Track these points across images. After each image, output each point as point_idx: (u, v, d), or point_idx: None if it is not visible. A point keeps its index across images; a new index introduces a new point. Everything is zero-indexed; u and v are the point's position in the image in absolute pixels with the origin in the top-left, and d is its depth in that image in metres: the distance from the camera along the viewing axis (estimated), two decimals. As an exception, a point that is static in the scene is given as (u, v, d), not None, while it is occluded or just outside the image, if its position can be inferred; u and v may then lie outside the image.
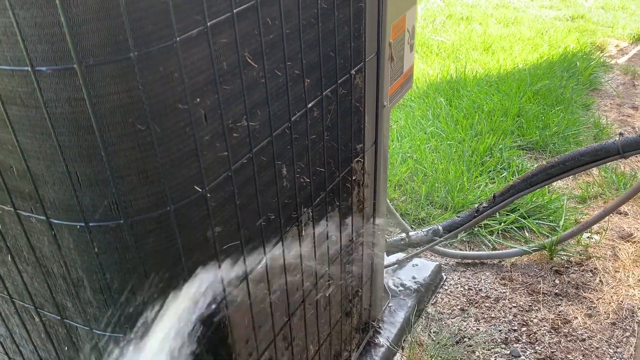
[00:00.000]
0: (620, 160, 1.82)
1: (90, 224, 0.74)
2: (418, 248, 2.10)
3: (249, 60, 0.84)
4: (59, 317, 0.92)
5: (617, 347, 1.85)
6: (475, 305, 2.06)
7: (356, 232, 1.44)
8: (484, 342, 1.89)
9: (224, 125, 0.81)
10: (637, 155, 1.94)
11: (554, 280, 2.14)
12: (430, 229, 2.04)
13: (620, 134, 1.72)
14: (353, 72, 1.19)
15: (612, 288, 2.10)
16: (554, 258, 2.24)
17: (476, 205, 2.01)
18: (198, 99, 0.75)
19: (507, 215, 2.44)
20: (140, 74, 0.67)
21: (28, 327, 1.03)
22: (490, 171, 2.78)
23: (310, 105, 1.02)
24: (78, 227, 0.75)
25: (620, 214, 2.52)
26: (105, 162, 0.70)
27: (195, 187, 0.80)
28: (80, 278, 0.84)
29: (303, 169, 1.09)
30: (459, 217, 2.01)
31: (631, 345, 1.86)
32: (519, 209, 2.44)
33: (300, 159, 1.06)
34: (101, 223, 0.74)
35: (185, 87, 0.72)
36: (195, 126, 0.76)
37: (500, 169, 2.80)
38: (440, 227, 2.03)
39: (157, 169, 0.74)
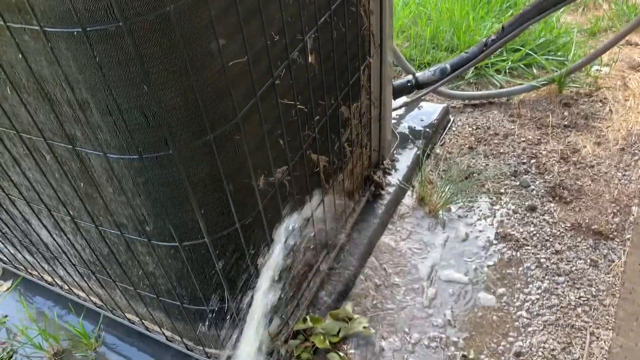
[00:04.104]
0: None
1: (88, 29, 0.70)
2: (425, 90, 2.05)
3: None
4: (71, 146, 0.90)
5: (626, 171, 1.87)
6: (484, 142, 2.06)
7: (362, 60, 1.39)
8: (494, 176, 1.91)
9: None
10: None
11: (563, 113, 2.12)
12: (437, 68, 1.98)
13: (639, -57, 1.60)
14: None
15: (622, 116, 2.08)
16: (563, 91, 2.20)
17: (483, 39, 1.93)
18: None
19: (515, 52, 2.36)
20: None
21: (42, 167, 1.02)
22: (497, 11, 2.66)
23: None
24: (75, 34, 0.70)
25: (631, 44, 2.45)
26: (93, -46, 0.64)
27: (193, -13, 0.74)
28: (85, 100, 0.81)
29: (305, -16, 1.02)
30: (466, 52, 1.95)
31: (639, 168, 1.88)
32: (527, 45, 2.37)
33: (301, -30, 0.99)
34: (99, 27, 0.70)
35: None
36: None
37: (507, 7, 2.68)
38: (447, 65, 1.97)
39: (150, -37, 0.68)
